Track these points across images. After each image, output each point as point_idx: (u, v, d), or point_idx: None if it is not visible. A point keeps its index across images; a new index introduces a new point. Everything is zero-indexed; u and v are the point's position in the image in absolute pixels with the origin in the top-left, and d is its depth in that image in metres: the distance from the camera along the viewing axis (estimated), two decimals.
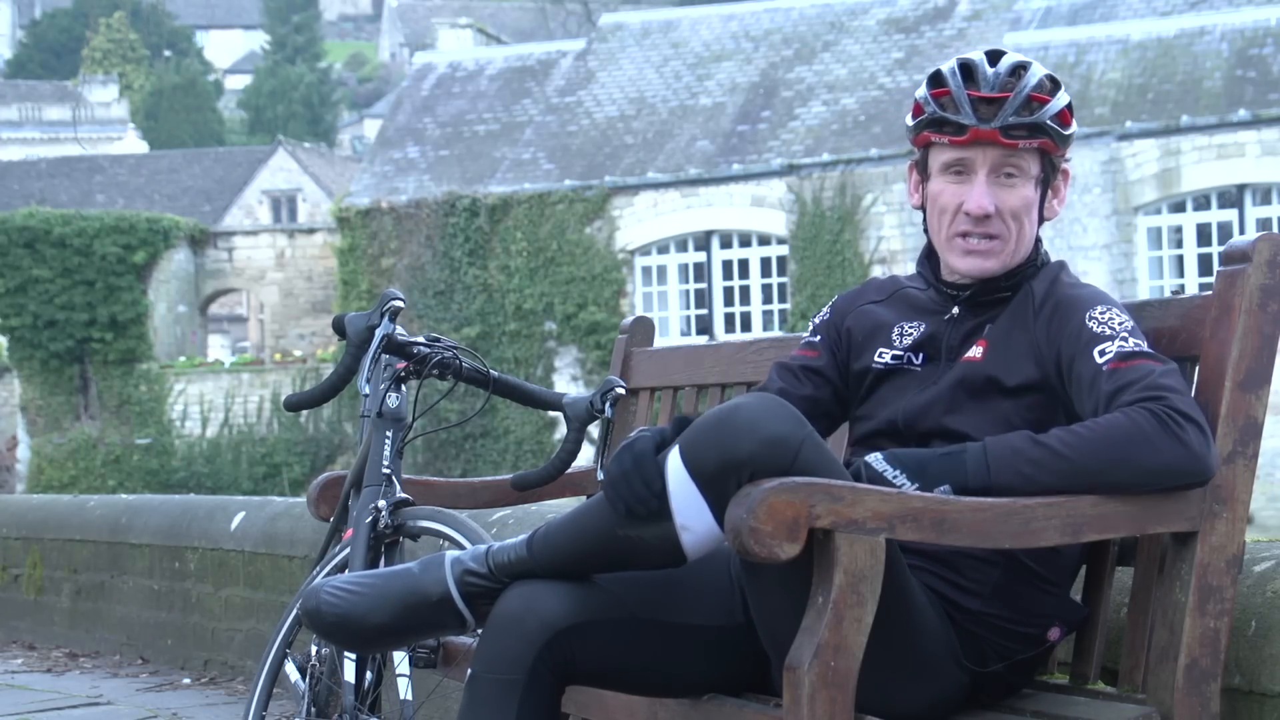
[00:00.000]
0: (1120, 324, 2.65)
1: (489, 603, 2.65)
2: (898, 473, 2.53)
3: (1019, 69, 2.75)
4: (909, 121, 2.82)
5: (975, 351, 2.76)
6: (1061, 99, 2.76)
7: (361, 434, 3.56)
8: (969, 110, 2.72)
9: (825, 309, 3.02)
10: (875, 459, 2.57)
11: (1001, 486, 2.51)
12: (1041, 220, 2.81)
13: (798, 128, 27.02)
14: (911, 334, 2.86)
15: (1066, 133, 2.77)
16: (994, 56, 2.78)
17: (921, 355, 2.83)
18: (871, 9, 28.84)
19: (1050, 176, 2.80)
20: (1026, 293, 2.78)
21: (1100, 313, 2.67)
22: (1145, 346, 2.62)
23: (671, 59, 29.61)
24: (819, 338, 2.98)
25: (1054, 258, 2.85)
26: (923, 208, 2.86)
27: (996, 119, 2.71)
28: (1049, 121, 2.73)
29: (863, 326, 2.92)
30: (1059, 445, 2.51)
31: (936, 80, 2.78)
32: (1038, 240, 2.83)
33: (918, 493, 2.47)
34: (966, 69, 2.76)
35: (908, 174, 2.89)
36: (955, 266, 2.80)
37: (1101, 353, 2.61)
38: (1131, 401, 2.53)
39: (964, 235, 2.77)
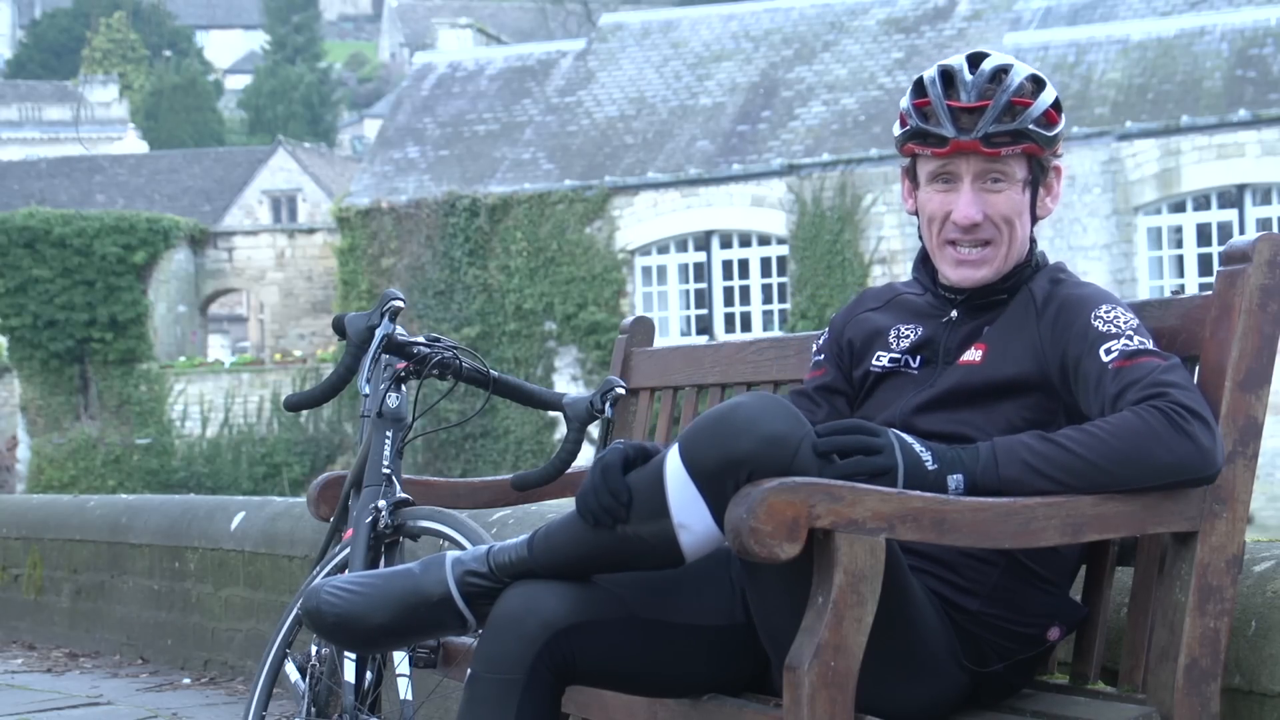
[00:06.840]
0: (1125, 322, 2.65)
1: (489, 603, 2.65)
2: (924, 449, 2.51)
3: (999, 73, 2.73)
4: (895, 131, 2.82)
5: (973, 355, 2.76)
6: (1045, 99, 2.74)
7: (361, 434, 3.55)
8: (949, 122, 2.71)
9: (824, 331, 3.04)
10: (903, 435, 2.54)
11: (1010, 480, 2.49)
12: (1035, 220, 2.81)
13: (798, 128, 27.01)
14: (909, 337, 2.86)
15: (1052, 133, 2.75)
16: (975, 60, 2.76)
17: (919, 358, 2.83)
18: (871, 9, 28.83)
19: (1039, 176, 2.79)
20: (1026, 294, 2.78)
21: (1105, 311, 2.67)
22: (1150, 344, 2.62)
23: (671, 59, 29.60)
24: (823, 356, 2.99)
25: (1054, 258, 2.86)
26: (916, 213, 2.86)
27: (977, 129, 2.70)
28: (1031, 126, 2.72)
29: (861, 334, 2.93)
30: (1069, 443, 2.50)
31: (918, 89, 2.77)
32: (1032, 241, 2.82)
33: (919, 493, 2.46)
34: (946, 76, 2.75)
35: (901, 180, 2.89)
36: (947, 276, 2.81)
37: (1108, 351, 2.61)
38: (1137, 400, 2.52)
39: (954, 243, 2.77)
